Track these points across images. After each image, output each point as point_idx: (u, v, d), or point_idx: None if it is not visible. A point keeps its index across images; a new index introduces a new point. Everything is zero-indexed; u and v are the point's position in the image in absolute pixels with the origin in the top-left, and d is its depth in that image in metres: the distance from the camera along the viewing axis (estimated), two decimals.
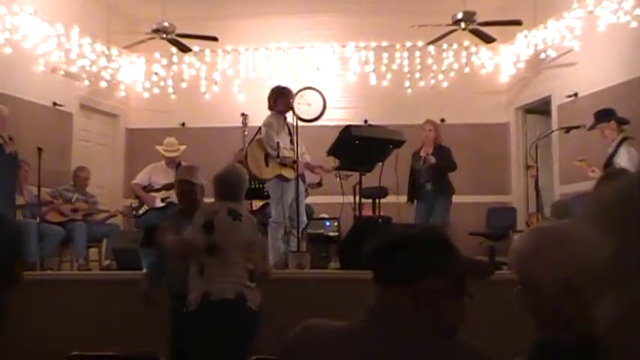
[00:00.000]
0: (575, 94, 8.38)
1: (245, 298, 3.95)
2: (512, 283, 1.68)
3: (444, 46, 9.65)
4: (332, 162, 6.66)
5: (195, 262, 4.08)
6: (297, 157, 6.52)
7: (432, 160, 7.64)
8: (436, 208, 7.73)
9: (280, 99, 6.83)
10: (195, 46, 9.50)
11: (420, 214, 7.78)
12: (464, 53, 9.86)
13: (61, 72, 8.87)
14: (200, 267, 4.04)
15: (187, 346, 4.01)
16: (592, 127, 6.96)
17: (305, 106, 9.69)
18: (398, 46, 9.90)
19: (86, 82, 9.29)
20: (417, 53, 9.88)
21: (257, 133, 7.05)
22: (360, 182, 6.40)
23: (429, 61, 9.86)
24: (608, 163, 6.67)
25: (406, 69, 9.89)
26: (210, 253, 4.02)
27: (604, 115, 6.85)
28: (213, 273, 3.99)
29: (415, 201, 7.88)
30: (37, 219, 7.11)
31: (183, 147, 8.18)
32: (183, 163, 8.08)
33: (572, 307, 1.54)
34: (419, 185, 7.82)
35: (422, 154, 7.87)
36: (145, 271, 4.77)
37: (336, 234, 7.90)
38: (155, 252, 4.61)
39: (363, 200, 6.58)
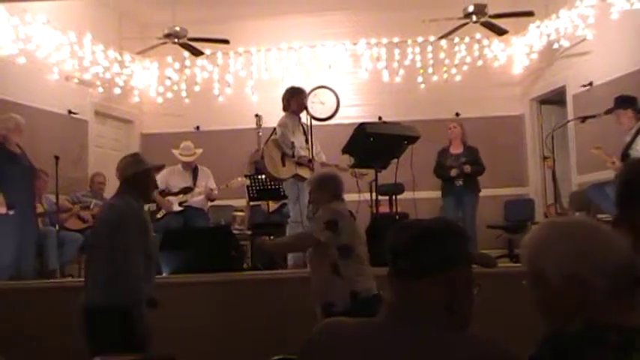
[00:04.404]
0: (590, 84, 8.31)
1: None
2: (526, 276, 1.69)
3: (456, 39, 9.61)
4: (348, 161, 6.65)
5: (327, 262, 4.26)
6: (313, 156, 6.52)
7: (468, 169, 7.84)
8: (466, 204, 7.89)
9: (294, 99, 6.84)
10: (207, 49, 9.52)
11: (449, 210, 7.92)
12: (476, 46, 9.81)
13: (75, 80, 8.93)
14: (333, 268, 4.23)
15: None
16: (609, 111, 6.89)
17: (318, 105, 9.69)
18: (410, 41, 9.87)
19: (100, 89, 9.34)
20: (429, 48, 9.84)
21: (272, 133, 7.06)
22: (375, 179, 6.39)
23: (442, 55, 9.82)
24: (626, 152, 6.61)
25: (419, 64, 9.85)
26: (343, 254, 4.25)
27: (622, 102, 6.78)
28: (352, 273, 4.23)
29: (443, 196, 8.08)
30: (57, 226, 7.17)
31: (199, 151, 8.18)
32: (200, 167, 8.11)
33: (577, 299, 1.56)
34: (449, 180, 7.95)
35: (452, 151, 8.06)
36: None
37: None
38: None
39: (380, 197, 6.57)
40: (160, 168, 4.54)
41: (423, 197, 7.86)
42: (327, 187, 4.52)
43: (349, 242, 4.29)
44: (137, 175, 4.09)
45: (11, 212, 6.37)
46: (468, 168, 7.85)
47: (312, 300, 4.30)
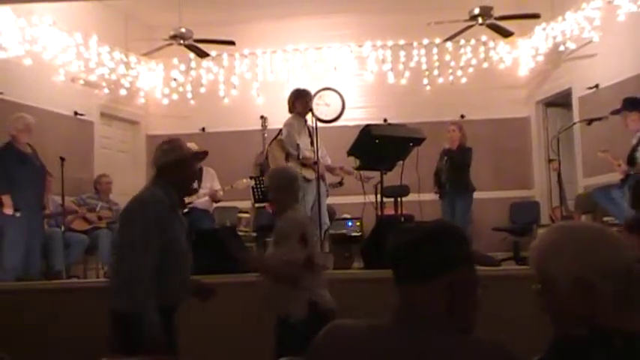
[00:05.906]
0: (597, 86, 8.28)
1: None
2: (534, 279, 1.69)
3: (462, 42, 9.61)
4: (353, 162, 6.65)
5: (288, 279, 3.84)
6: (318, 157, 6.52)
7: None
8: (457, 206, 7.92)
9: (299, 101, 6.85)
10: (212, 50, 9.54)
11: (444, 212, 7.99)
12: (482, 48, 9.80)
13: (81, 81, 8.96)
14: (294, 282, 3.81)
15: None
16: (616, 112, 6.87)
17: (324, 106, 9.70)
18: (415, 43, 9.87)
19: (106, 91, 9.37)
20: (435, 50, 9.83)
21: (278, 134, 7.07)
22: (381, 181, 6.39)
23: (447, 57, 9.81)
24: (632, 154, 6.60)
25: (424, 66, 9.85)
26: (306, 267, 3.84)
27: (629, 104, 6.76)
28: (311, 284, 3.87)
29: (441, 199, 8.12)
30: (62, 228, 7.19)
31: None
32: (205, 168, 8.11)
33: (585, 302, 1.57)
34: (441, 184, 8.01)
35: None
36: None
37: (359, 234, 7.90)
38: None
39: (385, 199, 6.57)
40: (199, 155, 4.02)
41: (428, 199, 7.86)
42: (292, 188, 4.06)
43: (312, 253, 3.92)
44: (168, 165, 3.58)
45: (17, 214, 6.39)
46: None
47: (264, 308, 3.97)
